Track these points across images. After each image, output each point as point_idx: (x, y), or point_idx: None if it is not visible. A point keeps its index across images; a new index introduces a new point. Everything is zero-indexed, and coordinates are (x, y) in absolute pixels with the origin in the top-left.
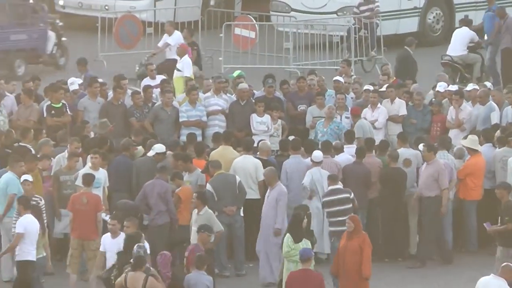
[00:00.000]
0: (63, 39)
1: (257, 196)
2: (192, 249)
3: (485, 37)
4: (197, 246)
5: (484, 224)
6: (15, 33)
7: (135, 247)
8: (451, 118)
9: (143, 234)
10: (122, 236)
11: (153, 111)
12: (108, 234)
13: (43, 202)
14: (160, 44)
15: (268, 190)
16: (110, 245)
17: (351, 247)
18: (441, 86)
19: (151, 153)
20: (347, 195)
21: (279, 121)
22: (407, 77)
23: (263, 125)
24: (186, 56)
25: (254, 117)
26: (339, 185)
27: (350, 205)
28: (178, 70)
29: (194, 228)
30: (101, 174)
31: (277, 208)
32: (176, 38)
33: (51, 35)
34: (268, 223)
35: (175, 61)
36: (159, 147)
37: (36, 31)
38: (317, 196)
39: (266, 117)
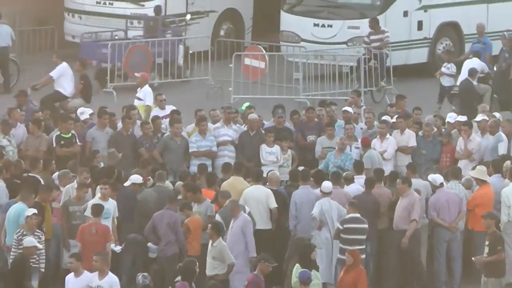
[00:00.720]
0: (190, 52)
1: (269, 226)
2: (251, 279)
3: (495, 68)
4: (256, 276)
5: (473, 258)
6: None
7: (140, 276)
8: (460, 148)
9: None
10: (85, 274)
11: (162, 141)
12: (72, 274)
13: (43, 238)
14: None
15: (232, 221)
16: (73, 284)
17: (347, 281)
18: (451, 117)
19: (127, 183)
20: (366, 226)
21: (289, 151)
22: (471, 109)
23: (272, 156)
24: (147, 86)
25: (264, 148)
26: (358, 214)
27: (365, 237)
28: (139, 99)
29: (209, 260)
30: (111, 205)
31: (246, 238)
32: (58, 70)
33: (181, 48)
34: (237, 254)
35: (60, 93)
36: (135, 178)
37: (169, 44)
38: (326, 226)
39: (276, 148)
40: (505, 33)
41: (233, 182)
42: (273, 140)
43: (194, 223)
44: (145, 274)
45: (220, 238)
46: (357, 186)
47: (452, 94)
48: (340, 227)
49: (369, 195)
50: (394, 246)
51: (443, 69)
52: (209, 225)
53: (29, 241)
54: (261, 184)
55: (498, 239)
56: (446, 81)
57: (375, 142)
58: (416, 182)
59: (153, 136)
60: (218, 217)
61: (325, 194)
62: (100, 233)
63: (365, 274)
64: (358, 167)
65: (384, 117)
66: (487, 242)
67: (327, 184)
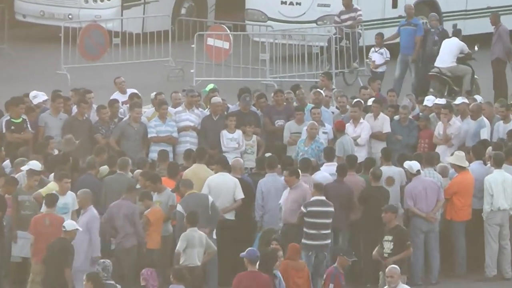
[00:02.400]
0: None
1: (233, 216)
2: (331, 271)
3: (475, 48)
4: (335, 268)
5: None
6: None
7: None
8: (438, 133)
9: None
10: None
11: (118, 127)
12: None
13: None
14: None
15: (81, 214)
16: None
17: None
18: (429, 100)
19: (25, 168)
20: (332, 209)
21: (254, 137)
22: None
23: (233, 142)
24: None
25: (224, 134)
26: (323, 197)
27: (331, 220)
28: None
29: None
30: (69, 198)
31: (91, 235)
32: None
33: None
34: (78, 250)
35: None
36: (34, 164)
37: None
38: None
39: (237, 133)
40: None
41: (195, 169)
42: (236, 125)
43: (154, 214)
44: (100, 261)
45: (196, 227)
46: (324, 173)
47: (431, 76)
48: (304, 210)
49: (341, 183)
50: (368, 238)
51: (374, 56)
52: (184, 217)
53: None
54: (226, 172)
55: (404, 233)
56: (379, 67)
57: (348, 127)
58: (390, 169)
59: (110, 121)
60: (180, 208)
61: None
62: (55, 225)
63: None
64: (329, 153)
65: (356, 99)
66: (390, 238)
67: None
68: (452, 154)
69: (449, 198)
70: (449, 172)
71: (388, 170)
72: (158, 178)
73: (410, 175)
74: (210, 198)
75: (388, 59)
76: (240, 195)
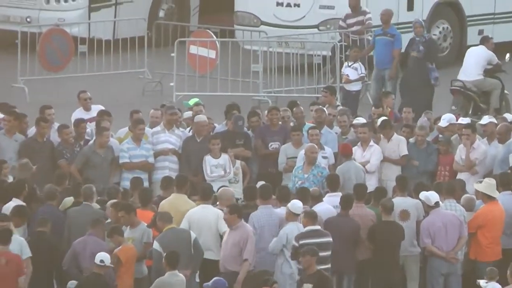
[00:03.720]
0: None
1: (217, 257)
2: None
3: (507, 58)
4: None
5: None
6: None
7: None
8: (461, 158)
9: None
10: None
11: (82, 154)
12: None
13: None
14: None
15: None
16: None
17: None
18: (445, 119)
19: None
20: (329, 239)
21: (238, 162)
22: None
23: (219, 169)
24: None
25: (208, 160)
26: (318, 226)
27: (330, 252)
28: None
29: None
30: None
31: None
32: None
33: None
34: None
35: None
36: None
37: None
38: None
39: (223, 158)
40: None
41: (174, 200)
42: (224, 148)
43: (126, 253)
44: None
45: (176, 271)
46: (326, 205)
47: (453, 91)
48: (295, 243)
49: (345, 217)
50: (378, 283)
51: (347, 71)
52: (163, 257)
53: None
54: (209, 203)
55: (325, 281)
56: (353, 85)
57: (355, 151)
58: (405, 201)
59: (74, 144)
60: (156, 245)
61: (294, 216)
62: (11, 264)
63: None
64: (333, 181)
65: (358, 119)
66: (310, 286)
67: (297, 203)
68: (480, 182)
69: (473, 234)
70: (475, 205)
71: (402, 202)
72: (132, 209)
73: (428, 208)
74: (193, 234)
75: (364, 75)
76: (224, 227)
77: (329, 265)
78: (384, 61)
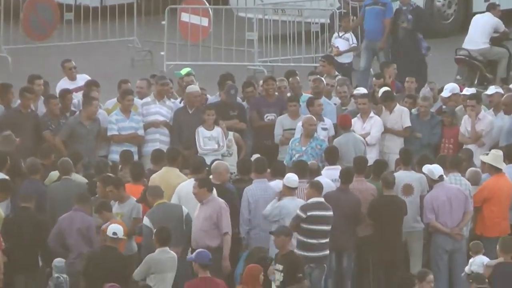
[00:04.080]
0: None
1: None
2: None
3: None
4: None
5: None
6: None
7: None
8: (466, 130)
9: None
10: None
11: (67, 126)
12: None
13: None
14: None
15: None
16: None
17: None
18: (447, 89)
19: None
20: (331, 213)
21: (231, 134)
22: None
23: (212, 142)
24: None
25: (201, 132)
26: (322, 199)
27: (330, 227)
28: None
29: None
30: None
31: None
32: None
33: None
34: None
35: None
36: None
37: None
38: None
39: (217, 131)
40: None
41: (165, 174)
42: (215, 120)
43: None
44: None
45: (167, 247)
46: (325, 179)
47: (458, 60)
48: (302, 215)
49: (345, 192)
50: (379, 260)
51: (337, 42)
52: (154, 232)
53: None
54: (201, 177)
55: (296, 263)
56: (345, 57)
57: (355, 122)
58: (408, 175)
59: (60, 115)
60: (146, 221)
61: (290, 190)
62: None
63: None
64: (331, 154)
65: (358, 89)
66: (280, 267)
67: (292, 177)
68: (486, 155)
69: (479, 208)
70: (481, 179)
71: (406, 176)
72: (121, 183)
73: (431, 182)
74: (185, 209)
75: (355, 45)
76: None
77: (328, 239)
78: (375, 32)
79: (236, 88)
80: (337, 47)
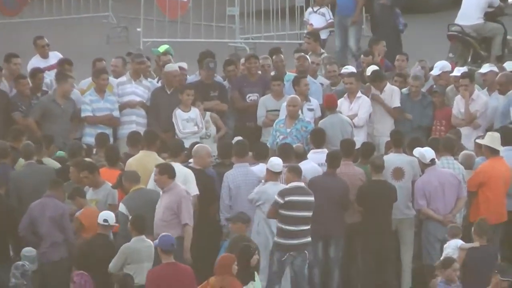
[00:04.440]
0: None
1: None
2: None
3: (509, 0)
4: None
5: None
6: None
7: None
8: (459, 111)
9: None
10: None
11: (40, 104)
12: None
13: None
14: None
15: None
16: None
17: None
18: (437, 67)
19: None
20: (312, 198)
21: (208, 114)
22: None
23: (191, 124)
24: None
25: (179, 114)
26: (302, 183)
27: (311, 213)
28: None
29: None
30: None
31: None
32: None
33: None
34: None
35: None
36: None
37: None
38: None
39: (194, 112)
40: None
41: (143, 158)
42: (194, 101)
43: (88, 217)
44: (18, 263)
45: (143, 236)
46: (312, 164)
47: (450, 36)
48: (280, 200)
49: (332, 176)
50: (368, 247)
51: (312, 18)
52: (130, 220)
53: None
54: (179, 161)
55: (246, 252)
56: (321, 33)
57: (342, 103)
58: (399, 158)
59: (31, 96)
60: (122, 207)
61: (273, 174)
62: None
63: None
64: (318, 137)
65: (346, 67)
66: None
67: (276, 161)
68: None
69: (473, 193)
70: (475, 162)
71: (396, 159)
72: (96, 168)
73: (423, 166)
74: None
75: (332, 20)
76: (193, 190)
77: (309, 226)
78: (347, 7)
79: (215, 62)
80: (311, 24)
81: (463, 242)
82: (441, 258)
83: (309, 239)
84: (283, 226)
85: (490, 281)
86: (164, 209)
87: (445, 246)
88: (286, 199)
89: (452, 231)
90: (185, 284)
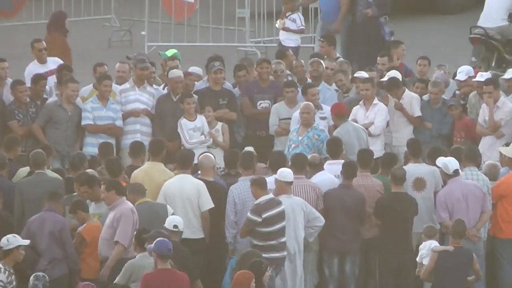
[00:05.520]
0: None
1: (200, 235)
2: None
3: None
4: None
5: None
6: None
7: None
8: (484, 120)
9: None
10: None
11: (45, 110)
12: None
13: None
14: None
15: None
16: None
17: None
18: (463, 72)
19: None
20: (283, 207)
21: (219, 124)
22: None
23: (197, 133)
24: None
25: (184, 123)
26: (271, 194)
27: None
28: None
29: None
30: None
31: None
32: None
33: None
34: None
35: None
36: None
37: None
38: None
39: (200, 120)
40: None
41: (149, 169)
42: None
43: (91, 231)
44: (39, 274)
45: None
46: (329, 175)
47: (473, 39)
48: (257, 219)
49: (348, 188)
50: (386, 264)
51: (287, 22)
52: (134, 236)
53: None
54: (188, 173)
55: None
56: (291, 40)
57: (358, 110)
58: (419, 168)
59: (29, 103)
60: None
61: (285, 186)
62: None
63: None
64: (334, 146)
65: (360, 72)
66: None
67: (285, 172)
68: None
69: (494, 205)
70: (499, 173)
71: (416, 169)
72: (96, 182)
73: (445, 177)
74: (170, 209)
75: (303, 27)
76: (207, 204)
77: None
78: (331, 12)
79: (221, 58)
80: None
81: (438, 244)
82: (417, 259)
83: (286, 253)
84: (263, 243)
85: (462, 285)
86: (106, 227)
87: (420, 246)
88: (264, 216)
89: (427, 231)
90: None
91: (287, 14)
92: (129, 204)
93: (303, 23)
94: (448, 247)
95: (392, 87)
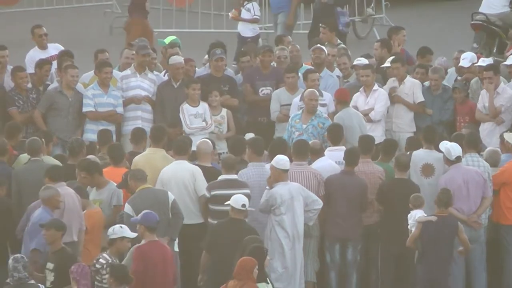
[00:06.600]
0: None
1: (199, 220)
2: None
3: None
4: None
5: None
6: None
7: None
8: (483, 105)
9: None
10: None
11: (46, 96)
12: None
13: None
14: None
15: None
16: None
17: None
18: (467, 58)
19: None
20: (247, 191)
21: (224, 110)
22: None
23: (199, 119)
24: None
25: (186, 109)
26: (235, 176)
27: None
28: None
29: None
30: None
31: None
32: None
33: None
34: None
35: None
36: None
37: None
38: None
39: (202, 107)
40: None
41: (150, 156)
42: (205, 95)
43: (92, 218)
44: (17, 256)
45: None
46: (330, 162)
47: (474, 25)
48: (207, 194)
49: (350, 175)
50: (388, 251)
51: (243, 12)
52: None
53: None
54: (185, 158)
55: (69, 261)
56: (246, 29)
57: (358, 97)
58: (430, 154)
59: (30, 90)
60: (128, 208)
61: (282, 173)
62: None
63: None
64: (335, 133)
65: (359, 59)
66: (51, 266)
67: (282, 157)
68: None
69: (496, 191)
70: (500, 160)
71: (426, 155)
72: (95, 168)
73: (447, 162)
74: (171, 196)
75: (258, 17)
76: (201, 190)
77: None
78: (281, 4)
79: (224, 50)
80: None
81: (424, 214)
82: (409, 226)
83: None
84: (212, 222)
85: (448, 253)
86: None
87: (408, 216)
88: (213, 192)
89: (414, 201)
90: (168, 263)
91: (244, 3)
92: (70, 190)
93: (258, 13)
94: (431, 217)
95: (396, 60)
